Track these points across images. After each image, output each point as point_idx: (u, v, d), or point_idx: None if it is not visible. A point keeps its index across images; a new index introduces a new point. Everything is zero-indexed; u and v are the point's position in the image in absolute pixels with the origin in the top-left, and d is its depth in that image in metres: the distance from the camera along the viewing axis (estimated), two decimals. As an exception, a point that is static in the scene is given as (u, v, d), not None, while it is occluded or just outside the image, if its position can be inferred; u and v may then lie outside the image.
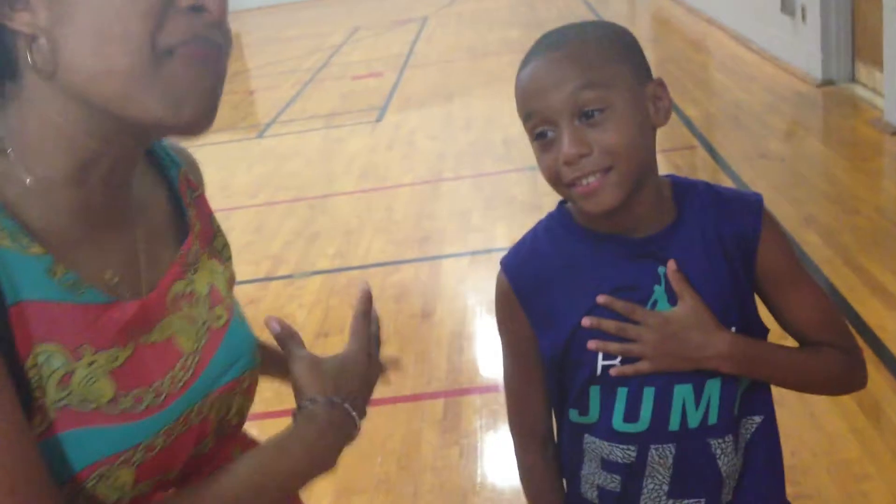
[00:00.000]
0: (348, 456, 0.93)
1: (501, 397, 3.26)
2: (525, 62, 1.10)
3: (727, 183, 4.60)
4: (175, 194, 0.95)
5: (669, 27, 9.58)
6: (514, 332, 1.19)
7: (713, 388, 1.12)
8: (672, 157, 5.20)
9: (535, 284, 1.16)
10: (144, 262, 0.87)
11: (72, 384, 0.75)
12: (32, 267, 0.75)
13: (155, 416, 0.80)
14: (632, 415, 1.13)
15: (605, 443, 1.15)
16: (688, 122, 5.66)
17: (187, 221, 0.94)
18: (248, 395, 0.93)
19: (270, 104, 8.48)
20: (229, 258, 1.00)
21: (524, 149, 5.70)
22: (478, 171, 5.57)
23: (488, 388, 3.13)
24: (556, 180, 1.08)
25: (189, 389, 0.84)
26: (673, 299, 1.11)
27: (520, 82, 1.10)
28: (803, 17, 6.18)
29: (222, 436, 0.91)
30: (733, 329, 1.12)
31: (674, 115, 5.25)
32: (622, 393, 1.12)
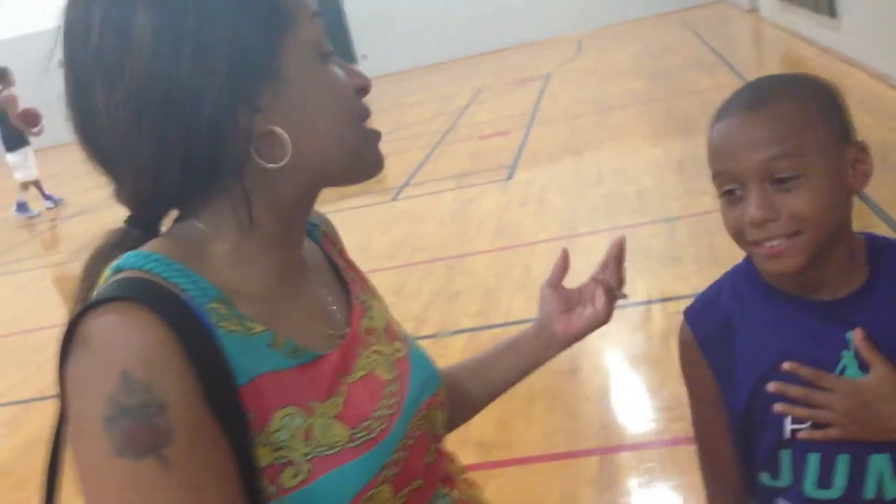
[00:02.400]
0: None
1: (656, 454, 3.21)
2: (719, 117, 1.09)
3: (881, 228, 4.42)
4: (322, 250, 1.06)
5: (802, 68, 9.34)
6: (698, 381, 1.19)
7: None
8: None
9: (718, 337, 1.15)
10: (335, 312, 0.97)
11: (314, 436, 0.85)
12: (259, 344, 0.85)
13: (388, 437, 0.90)
14: (825, 481, 1.10)
15: None
16: (829, 164, 5.45)
17: (340, 270, 1.05)
18: (445, 407, 1.04)
19: (401, 168, 8.71)
20: (381, 298, 1.10)
21: (659, 200, 5.69)
22: (613, 224, 5.53)
23: (640, 445, 3.09)
24: (739, 237, 1.08)
25: (403, 409, 0.94)
26: (864, 366, 1.07)
27: (712, 139, 1.09)
28: (948, 49, 5.94)
29: (437, 444, 1.02)
30: None
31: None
32: (814, 458, 1.10)
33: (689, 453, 2.93)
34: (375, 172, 0.96)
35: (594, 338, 4.28)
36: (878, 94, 7.18)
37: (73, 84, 0.86)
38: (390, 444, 0.90)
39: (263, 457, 0.81)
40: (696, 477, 2.92)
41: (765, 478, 1.15)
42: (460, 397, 1.17)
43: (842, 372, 1.08)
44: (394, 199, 7.51)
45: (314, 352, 0.89)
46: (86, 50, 0.84)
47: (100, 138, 0.86)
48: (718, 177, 1.07)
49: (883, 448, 1.07)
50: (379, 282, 1.12)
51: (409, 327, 4.71)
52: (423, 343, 1.05)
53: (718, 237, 4.80)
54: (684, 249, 4.74)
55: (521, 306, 4.53)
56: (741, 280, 1.17)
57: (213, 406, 0.78)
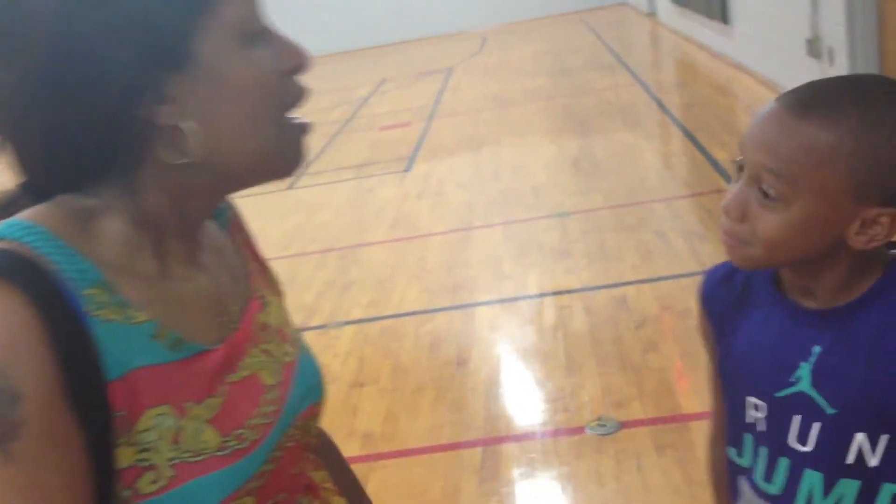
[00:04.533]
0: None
1: (539, 445, 3.26)
2: (777, 98, 1.02)
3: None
4: (228, 236, 0.99)
5: (694, 72, 9.62)
6: (703, 333, 1.22)
7: (848, 488, 1.05)
8: (702, 200, 5.19)
9: (718, 305, 1.18)
10: (230, 302, 0.91)
11: (182, 440, 0.79)
12: (139, 335, 0.79)
13: (259, 448, 0.85)
14: (769, 476, 1.11)
15: (751, 492, 1.13)
16: (716, 166, 5.67)
17: (243, 259, 0.98)
18: (320, 417, 1.00)
19: (300, 157, 8.56)
20: (281, 294, 1.04)
21: (553, 196, 5.79)
22: (508, 218, 5.59)
23: (526, 436, 3.12)
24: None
25: (279, 420, 0.89)
26: (818, 381, 1.04)
27: (755, 112, 1.04)
28: (830, 59, 6.19)
29: (307, 454, 0.98)
30: (886, 436, 1.02)
31: (702, 159, 5.29)
32: (763, 452, 1.11)
33: (571, 444, 3.01)
34: (288, 172, 0.86)
35: (484, 330, 4.34)
36: (764, 99, 7.34)
37: None
38: (260, 455, 0.85)
39: (125, 458, 0.76)
40: (576, 467, 3.00)
41: (732, 453, 1.16)
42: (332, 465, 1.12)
43: (796, 382, 1.06)
44: (290, 187, 7.39)
45: (199, 345, 0.83)
46: None
47: None
48: (739, 146, 1.03)
49: (819, 467, 1.05)
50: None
51: (298, 318, 4.67)
52: (312, 334, 1.01)
53: (608, 233, 4.91)
54: (575, 245, 4.82)
55: (413, 297, 4.53)
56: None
57: (76, 401, 0.73)
